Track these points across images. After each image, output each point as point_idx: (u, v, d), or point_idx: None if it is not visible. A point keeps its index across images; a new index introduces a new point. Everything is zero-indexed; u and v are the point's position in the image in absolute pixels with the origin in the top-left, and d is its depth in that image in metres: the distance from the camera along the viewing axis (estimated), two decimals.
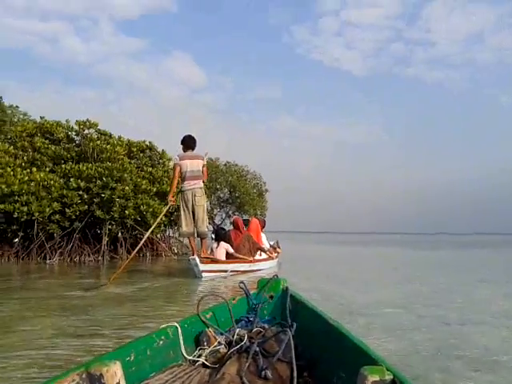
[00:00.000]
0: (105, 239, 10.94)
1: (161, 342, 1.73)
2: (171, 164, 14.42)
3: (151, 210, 11.23)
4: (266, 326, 2.21)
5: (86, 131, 12.49)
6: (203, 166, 7.28)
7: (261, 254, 8.46)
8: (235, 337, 1.97)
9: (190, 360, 1.82)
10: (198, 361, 1.82)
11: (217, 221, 28.20)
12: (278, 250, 9.99)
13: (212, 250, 7.69)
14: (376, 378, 1.21)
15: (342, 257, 15.91)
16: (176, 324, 1.86)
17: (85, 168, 10.87)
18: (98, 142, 11.80)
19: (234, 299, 2.45)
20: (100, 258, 10.83)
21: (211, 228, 15.00)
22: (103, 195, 10.67)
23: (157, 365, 1.65)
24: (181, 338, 1.84)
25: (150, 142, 14.07)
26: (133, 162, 12.81)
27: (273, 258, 8.94)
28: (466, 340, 3.10)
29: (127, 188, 10.91)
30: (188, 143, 7.38)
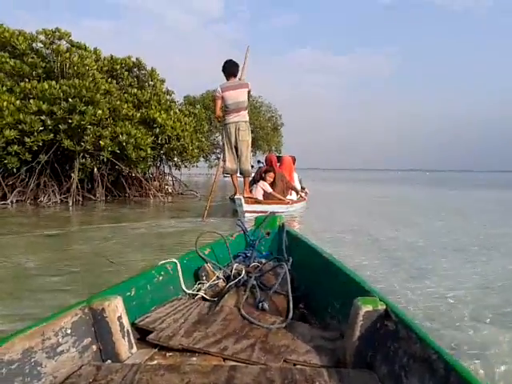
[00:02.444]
0: (75, 176, 8.88)
1: (160, 278, 1.71)
2: (164, 87, 12.11)
3: (132, 140, 9.05)
4: (263, 260, 2.23)
5: (58, 43, 10.08)
6: (248, 93, 6.52)
7: (291, 194, 8.02)
8: (233, 271, 1.99)
9: (189, 294, 1.83)
10: (197, 294, 1.83)
11: None
12: (306, 190, 9.39)
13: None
14: (369, 307, 1.23)
15: (368, 198, 13.74)
16: (175, 260, 1.84)
17: (47, 86, 8.61)
18: (67, 55, 9.41)
19: (231, 235, 2.46)
20: (72, 198, 8.85)
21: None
22: (70, 121, 8.48)
23: (157, 299, 1.64)
24: (180, 273, 1.83)
25: (137, 59, 11.61)
26: (114, 82, 10.45)
27: (305, 199, 8.66)
28: None
29: (100, 112, 8.65)
30: (230, 70, 6.54)
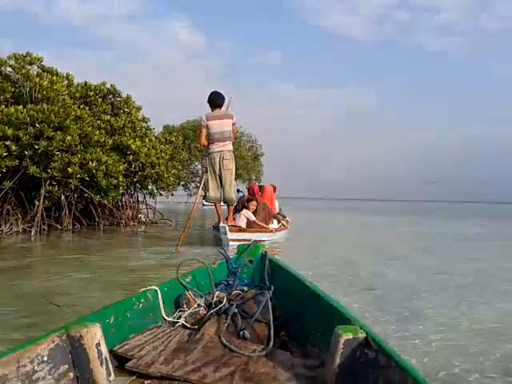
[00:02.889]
0: (40, 204, 8.39)
1: (140, 305, 1.69)
2: (140, 114, 11.83)
3: (103, 167, 8.65)
4: (245, 288, 2.20)
5: (28, 67, 9.76)
6: (233, 125, 6.61)
7: (273, 222, 8.11)
8: (215, 299, 1.95)
9: (169, 321, 1.80)
10: (177, 322, 1.80)
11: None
12: (287, 218, 9.36)
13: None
14: (349, 336, 1.23)
15: (348, 228, 13.54)
16: (156, 287, 1.81)
17: (13, 111, 8.23)
18: (37, 80, 9.08)
19: (213, 263, 2.42)
20: (36, 228, 8.33)
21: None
22: (37, 146, 8.08)
23: (136, 326, 1.62)
24: (160, 300, 1.80)
25: (112, 86, 11.35)
26: (87, 108, 10.11)
27: (286, 228, 8.60)
28: None
29: (69, 138, 8.27)
30: (215, 101, 6.57)
